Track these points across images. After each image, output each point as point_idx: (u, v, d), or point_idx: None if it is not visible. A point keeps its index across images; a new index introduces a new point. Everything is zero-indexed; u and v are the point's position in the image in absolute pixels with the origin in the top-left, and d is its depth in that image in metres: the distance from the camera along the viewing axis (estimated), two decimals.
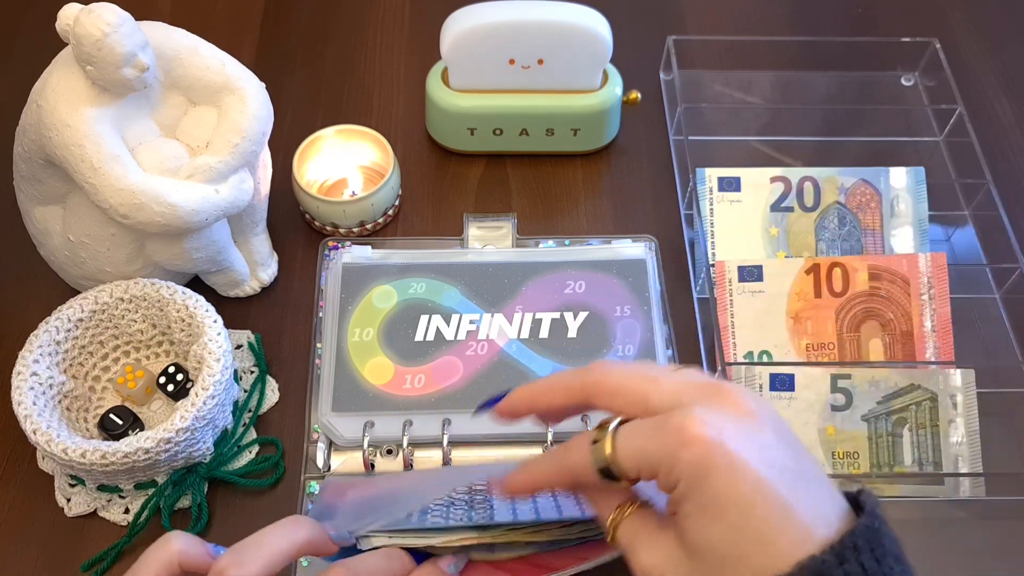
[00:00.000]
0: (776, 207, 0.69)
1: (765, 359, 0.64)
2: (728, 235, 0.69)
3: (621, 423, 0.39)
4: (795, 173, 0.70)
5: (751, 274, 0.65)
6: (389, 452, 0.60)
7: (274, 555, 0.41)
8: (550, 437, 0.59)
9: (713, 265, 0.66)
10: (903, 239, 0.69)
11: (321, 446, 0.60)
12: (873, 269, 0.65)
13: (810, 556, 0.34)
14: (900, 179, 0.70)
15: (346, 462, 0.60)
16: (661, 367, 0.42)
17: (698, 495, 0.36)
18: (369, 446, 0.59)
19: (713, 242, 0.69)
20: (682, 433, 0.36)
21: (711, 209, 0.69)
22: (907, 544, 0.59)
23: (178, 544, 0.42)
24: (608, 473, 0.39)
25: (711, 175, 0.69)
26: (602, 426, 0.40)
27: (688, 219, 0.73)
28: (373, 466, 0.59)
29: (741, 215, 0.69)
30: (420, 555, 0.46)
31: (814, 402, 0.61)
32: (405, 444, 0.59)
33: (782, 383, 0.61)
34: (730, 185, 0.69)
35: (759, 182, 0.69)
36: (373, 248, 0.69)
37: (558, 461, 0.42)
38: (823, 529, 0.35)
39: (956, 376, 0.61)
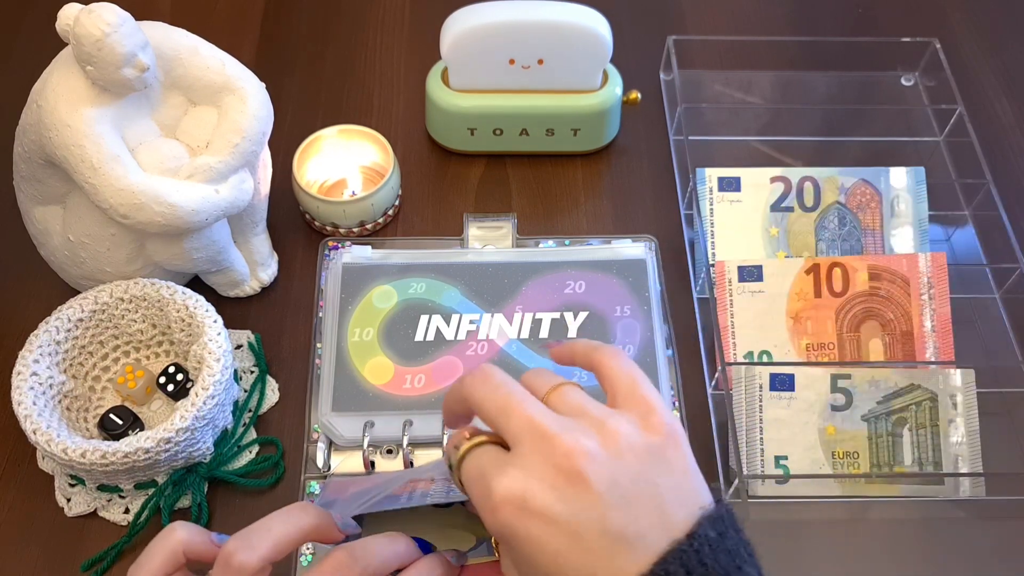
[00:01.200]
0: (776, 207, 0.69)
1: (765, 359, 0.64)
2: (728, 235, 0.69)
3: (482, 443, 0.40)
4: (795, 173, 0.70)
5: (751, 274, 0.65)
6: (389, 452, 0.60)
7: (281, 539, 0.42)
8: None
9: (713, 265, 0.66)
10: (903, 239, 0.69)
11: (321, 446, 0.60)
12: (873, 269, 0.65)
13: None
14: (900, 179, 0.70)
15: (346, 462, 0.60)
16: (544, 379, 0.42)
17: (508, 556, 0.38)
18: (369, 446, 0.59)
19: (713, 242, 0.69)
20: (490, 498, 0.37)
21: (711, 209, 0.69)
22: (907, 544, 0.59)
23: (182, 534, 0.42)
24: None
25: (711, 175, 0.69)
26: (472, 436, 0.40)
27: (688, 219, 0.73)
28: (373, 466, 0.59)
29: (741, 215, 0.69)
30: (425, 545, 0.46)
31: (814, 402, 0.61)
32: (405, 444, 0.59)
33: (782, 383, 0.61)
34: (730, 185, 0.69)
35: (759, 182, 0.69)
36: (373, 248, 0.69)
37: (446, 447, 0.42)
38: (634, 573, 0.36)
39: (956, 376, 0.61)
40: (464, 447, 0.40)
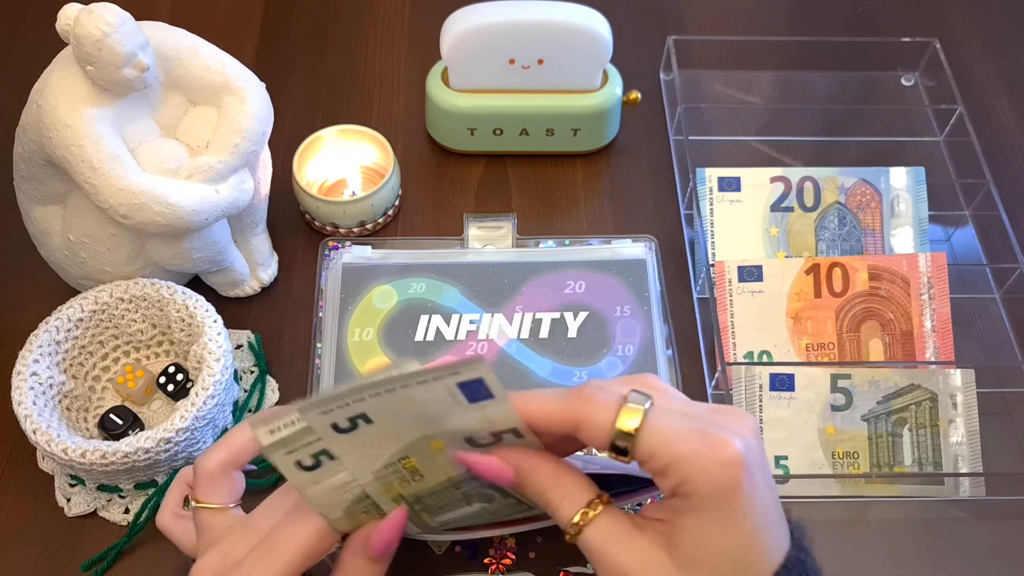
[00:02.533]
0: (776, 207, 0.69)
1: (765, 359, 0.64)
2: (728, 235, 0.69)
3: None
4: (795, 173, 0.70)
5: (751, 274, 0.65)
6: None
7: (235, 446, 0.45)
8: None
9: (713, 265, 0.66)
10: (903, 239, 0.69)
11: None
12: (873, 269, 0.65)
13: None
14: (900, 179, 0.70)
15: None
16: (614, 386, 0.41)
17: (713, 512, 0.36)
18: None
19: (713, 242, 0.69)
20: (723, 449, 0.36)
21: (711, 209, 0.69)
22: (907, 544, 0.59)
23: (186, 470, 0.53)
24: (616, 446, 0.37)
25: (711, 175, 0.69)
26: (631, 399, 0.38)
27: (688, 219, 0.73)
28: None
29: (741, 215, 0.69)
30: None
31: (814, 402, 0.61)
32: None
33: (782, 383, 0.61)
34: (730, 185, 0.69)
35: (759, 182, 0.69)
36: (373, 248, 0.69)
37: (570, 404, 0.39)
38: (778, 556, 0.38)
39: (956, 376, 0.61)
40: (647, 405, 0.37)
